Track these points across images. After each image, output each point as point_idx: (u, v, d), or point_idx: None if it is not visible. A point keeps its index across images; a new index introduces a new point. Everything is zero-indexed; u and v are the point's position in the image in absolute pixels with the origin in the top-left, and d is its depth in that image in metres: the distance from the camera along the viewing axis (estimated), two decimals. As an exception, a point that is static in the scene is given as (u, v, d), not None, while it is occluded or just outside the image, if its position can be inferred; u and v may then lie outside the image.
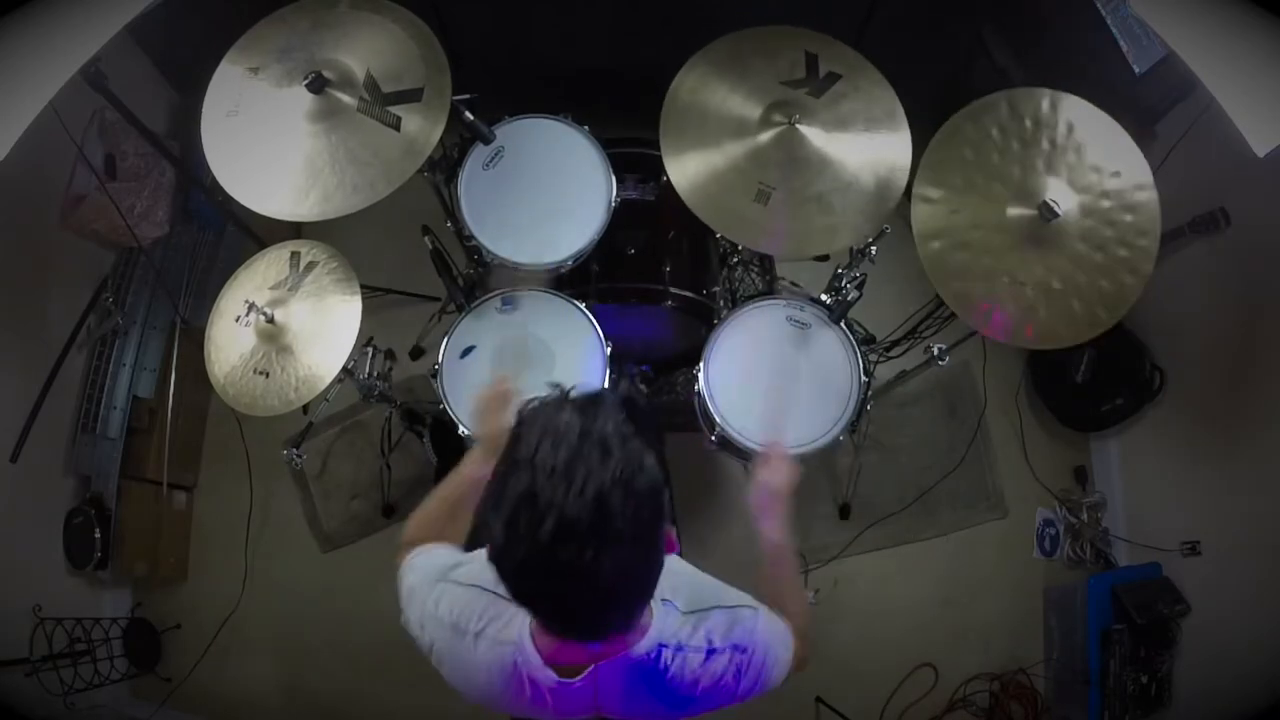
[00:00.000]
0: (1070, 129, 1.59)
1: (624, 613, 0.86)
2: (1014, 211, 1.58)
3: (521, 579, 0.79)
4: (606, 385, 1.77)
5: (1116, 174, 1.56)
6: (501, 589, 0.93)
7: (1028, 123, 1.59)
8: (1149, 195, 1.57)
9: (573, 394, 0.83)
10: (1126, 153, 1.59)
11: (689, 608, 1.01)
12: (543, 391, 0.85)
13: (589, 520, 0.72)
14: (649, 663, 0.96)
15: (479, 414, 1.32)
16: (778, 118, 1.67)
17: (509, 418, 1.00)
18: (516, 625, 0.96)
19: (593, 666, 0.95)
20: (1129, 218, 1.57)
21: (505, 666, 0.96)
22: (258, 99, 1.64)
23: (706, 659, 0.98)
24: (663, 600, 0.99)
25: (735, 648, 1.00)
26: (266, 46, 1.67)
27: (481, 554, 1.05)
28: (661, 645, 0.97)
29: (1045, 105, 1.60)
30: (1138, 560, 2.43)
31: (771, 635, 1.04)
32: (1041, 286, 1.56)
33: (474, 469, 1.22)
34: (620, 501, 0.73)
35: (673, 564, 0.90)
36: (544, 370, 1.79)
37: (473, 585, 1.02)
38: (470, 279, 2.13)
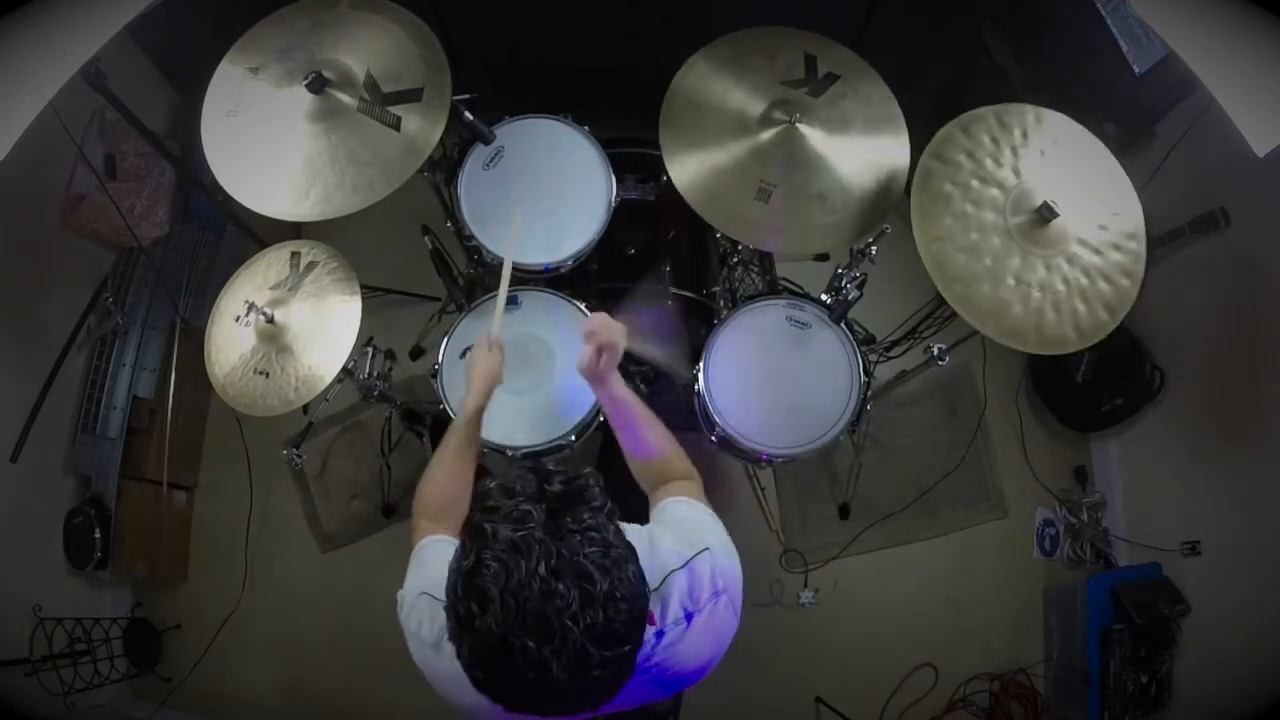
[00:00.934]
0: (1055, 142, 1.61)
1: (606, 692, 0.83)
2: (1013, 213, 1.58)
3: (489, 693, 0.78)
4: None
5: (1102, 227, 1.58)
6: None
7: (1017, 133, 1.60)
8: (1132, 206, 1.59)
9: (550, 486, 0.80)
10: (1109, 172, 1.61)
11: (651, 586, 0.98)
12: (508, 473, 0.82)
13: (569, 677, 0.73)
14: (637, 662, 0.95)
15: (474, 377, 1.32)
16: (778, 116, 1.67)
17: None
18: None
19: None
20: (1119, 220, 1.58)
21: None
22: (258, 99, 1.64)
23: (689, 624, 0.97)
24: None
25: (715, 594, 0.99)
26: (266, 46, 1.67)
27: None
28: (646, 641, 0.96)
29: (1030, 119, 1.61)
30: (1138, 560, 2.43)
31: (725, 553, 1.03)
32: (1047, 288, 1.55)
33: (470, 429, 1.26)
34: (600, 656, 0.74)
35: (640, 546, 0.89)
36: (544, 370, 1.79)
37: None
38: (470, 279, 2.13)
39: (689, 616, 0.98)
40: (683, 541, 1.03)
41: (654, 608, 0.97)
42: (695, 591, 0.98)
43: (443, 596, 0.93)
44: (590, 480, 0.81)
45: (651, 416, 1.28)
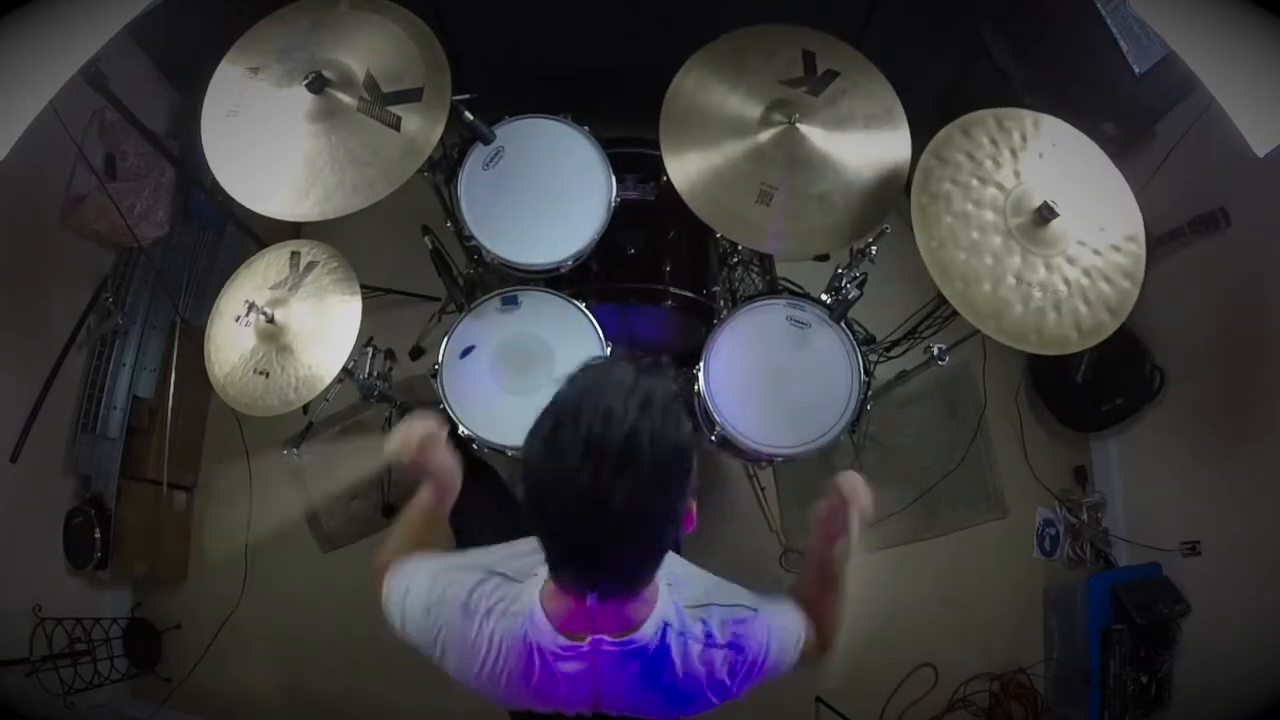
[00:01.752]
0: (1054, 146, 1.61)
1: (630, 559, 0.87)
2: (1013, 213, 1.58)
3: (543, 496, 0.82)
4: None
5: (1102, 229, 1.58)
6: (508, 568, 1.00)
7: (1016, 136, 1.60)
8: (1130, 209, 1.59)
9: (639, 359, 0.88)
10: (1107, 175, 1.61)
11: (689, 603, 1.02)
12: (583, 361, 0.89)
13: (616, 448, 0.77)
14: (653, 646, 0.97)
15: (406, 444, 1.26)
16: (778, 117, 1.67)
17: (440, 457, 1.14)
18: (526, 597, 0.98)
19: (594, 643, 0.95)
20: (1118, 222, 1.58)
21: (515, 640, 0.97)
22: (258, 99, 1.64)
23: (705, 650, 1.00)
24: (667, 583, 1.00)
25: (732, 646, 1.02)
26: (266, 46, 1.67)
27: (475, 551, 1.09)
28: (666, 624, 0.98)
29: (1029, 123, 1.61)
30: (1138, 560, 2.43)
31: (772, 633, 1.05)
32: (1048, 288, 1.55)
33: (428, 497, 1.26)
34: (649, 444, 0.78)
35: (672, 561, 0.91)
36: (544, 370, 1.79)
37: (479, 567, 1.04)
38: (470, 279, 2.13)
39: (709, 644, 1.01)
40: (750, 600, 1.07)
41: (686, 617, 1.00)
42: (723, 629, 1.02)
43: (464, 565, 1.03)
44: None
45: (841, 592, 1.24)
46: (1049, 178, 1.59)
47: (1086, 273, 1.56)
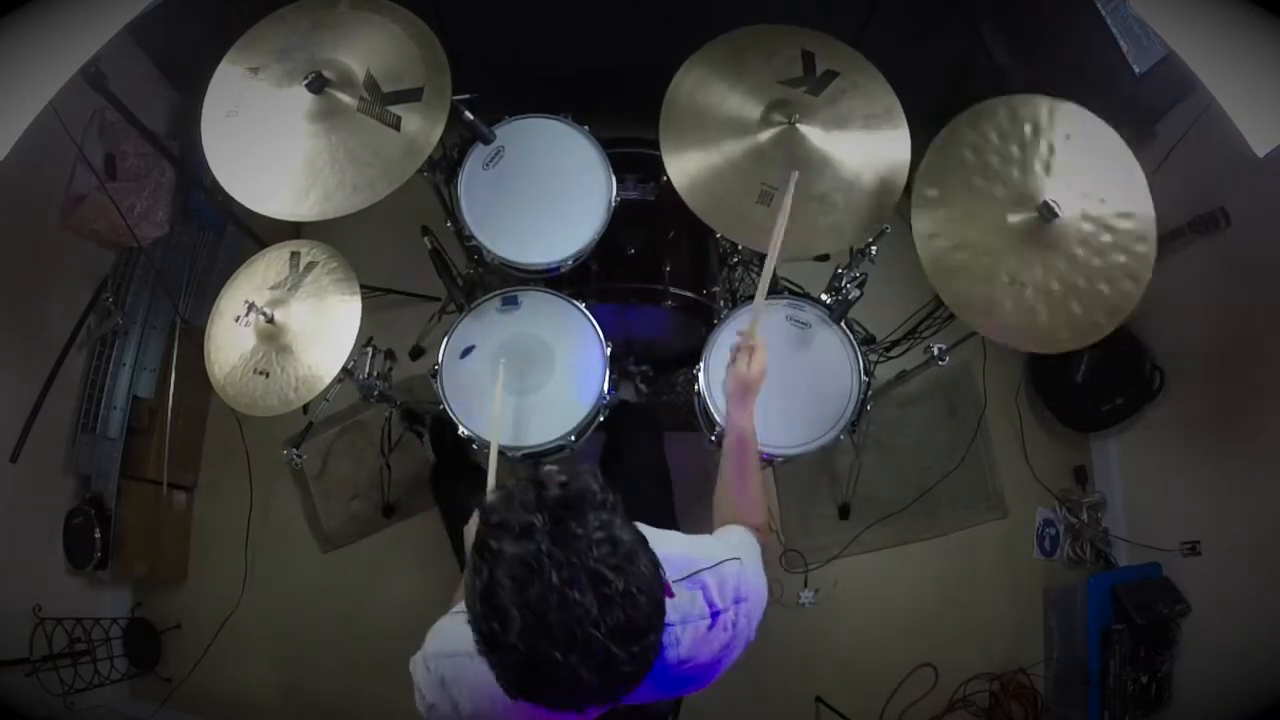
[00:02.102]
0: (1068, 137, 1.59)
1: (635, 687, 0.84)
2: (1014, 212, 1.58)
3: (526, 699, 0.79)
4: (607, 386, 1.77)
5: (1102, 201, 1.57)
6: None
7: (1027, 128, 1.59)
8: (1145, 205, 1.58)
9: (548, 493, 0.78)
10: (1122, 167, 1.59)
11: (676, 576, 1.02)
12: (504, 483, 0.83)
13: (599, 678, 0.74)
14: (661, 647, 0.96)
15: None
16: (777, 117, 1.67)
17: None
18: None
19: None
20: (1127, 224, 1.57)
21: None
22: (258, 99, 1.64)
23: (714, 622, 1.02)
24: None
25: (736, 600, 1.04)
26: (266, 46, 1.67)
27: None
28: (668, 625, 0.97)
29: (1044, 113, 1.60)
30: (1138, 560, 2.43)
31: (756, 569, 1.10)
32: (1041, 288, 1.55)
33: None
34: (626, 652, 0.74)
35: (645, 532, 0.91)
36: (544, 370, 1.79)
37: (459, 614, 1.04)
38: (470, 279, 2.13)
39: (715, 614, 1.02)
40: (722, 549, 1.09)
41: (682, 596, 1.00)
42: (722, 590, 1.04)
43: (454, 613, 0.99)
44: (589, 478, 0.81)
45: (758, 460, 1.37)
46: (1061, 172, 1.57)
47: (1085, 276, 1.56)
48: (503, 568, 0.74)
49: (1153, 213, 1.57)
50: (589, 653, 0.73)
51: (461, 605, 1.06)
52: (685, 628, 0.99)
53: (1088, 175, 1.58)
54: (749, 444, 1.36)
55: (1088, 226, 1.57)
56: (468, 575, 0.78)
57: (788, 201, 1.53)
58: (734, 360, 1.42)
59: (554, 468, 0.82)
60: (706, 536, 1.16)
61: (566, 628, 0.72)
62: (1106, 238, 1.57)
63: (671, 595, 0.84)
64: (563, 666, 0.73)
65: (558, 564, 0.73)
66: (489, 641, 0.76)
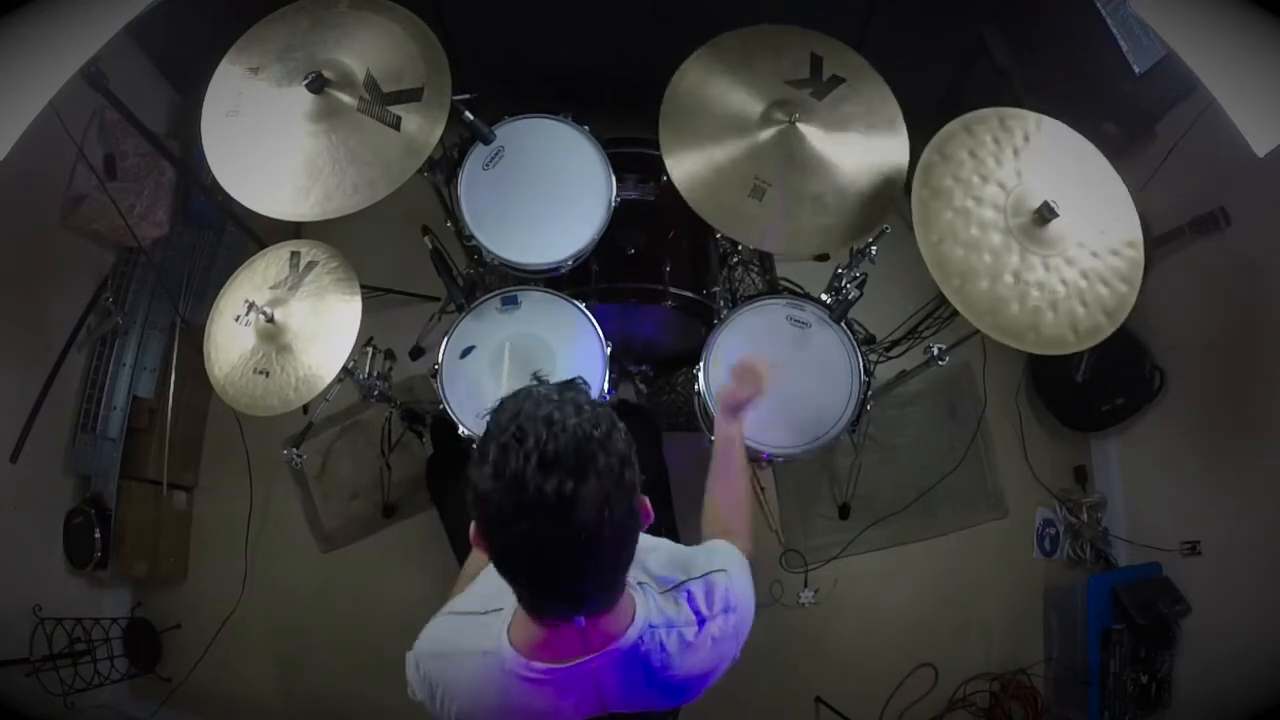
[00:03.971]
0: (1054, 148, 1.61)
1: (603, 570, 0.86)
2: (1014, 212, 1.58)
3: (505, 525, 0.79)
4: (606, 386, 1.77)
5: (1102, 231, 1.59)
6: (476, 604, 1.01)
7: (1019, 135, 1.60)
8: (1129, 214, 1.59)
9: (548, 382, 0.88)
10: (1107, 179, 1.62)
11: (664, 586, 1.04)
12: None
13: (571, 452, 0.77)
14: (644, 648, 0.97)
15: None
16: (778, 115, 1.67)
17: None
18: (493, 631, 0.97)
19: (586, 660, 0.95)
20: (1116, 225, 1.58)
21: (495, 676, 0.96)
22: (258, 99, 1.64)
23: (701, 630, 1.02)
24: (639, 584, 1.00)
25: (725, 610, 1.04)
26: (266, 46, 1.67)
27: (460, 595, 1.09)
28: (652, 626, 0.98)
29: (1032, 124, 1.61)
30: (1138, 560, 2.43)
31: (743, 581, 1.10)
32: (1046, 288, 1.55)
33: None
34: (598, 444, 0.79)
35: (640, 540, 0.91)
36: (544, 370, 1.79)
37: (448, 614, 1.06)
38: (470, 279, 2.13)
39: (701, 622, 1.02)
40: (709, 561, 1.10)
41: (669, 603, 1.02)
42: (709, 600, 1.04)
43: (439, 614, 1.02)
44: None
45: (747, 473, 1.40)
46: (1050, 178, 1.58)
47: (1084, 275, 1.56)
48: (511, 402, 0.83)
49: (1138, 220, 1.59)
50: (563, 425, 0.78)
51: (454, 604, 1.06)
52: (671, 634, 0.99)
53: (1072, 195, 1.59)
54: (733, 449, 1.40)
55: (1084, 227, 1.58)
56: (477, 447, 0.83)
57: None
58: (732, 377, 1.48)
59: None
60: (695, 548, 1.16)
61: (547, 417, 0.79)
62: (1100, 240, 1.58)
63: (649, 517, 0.88)
64: (540, 434, 0.77)
65: (547, 400, 0.82)
66: (497, 450, 0.79)
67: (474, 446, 0.83)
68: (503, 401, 0.84)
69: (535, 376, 0.90)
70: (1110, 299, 1.56)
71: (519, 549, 0.81)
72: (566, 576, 0.83)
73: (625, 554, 0.87)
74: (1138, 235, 1.59)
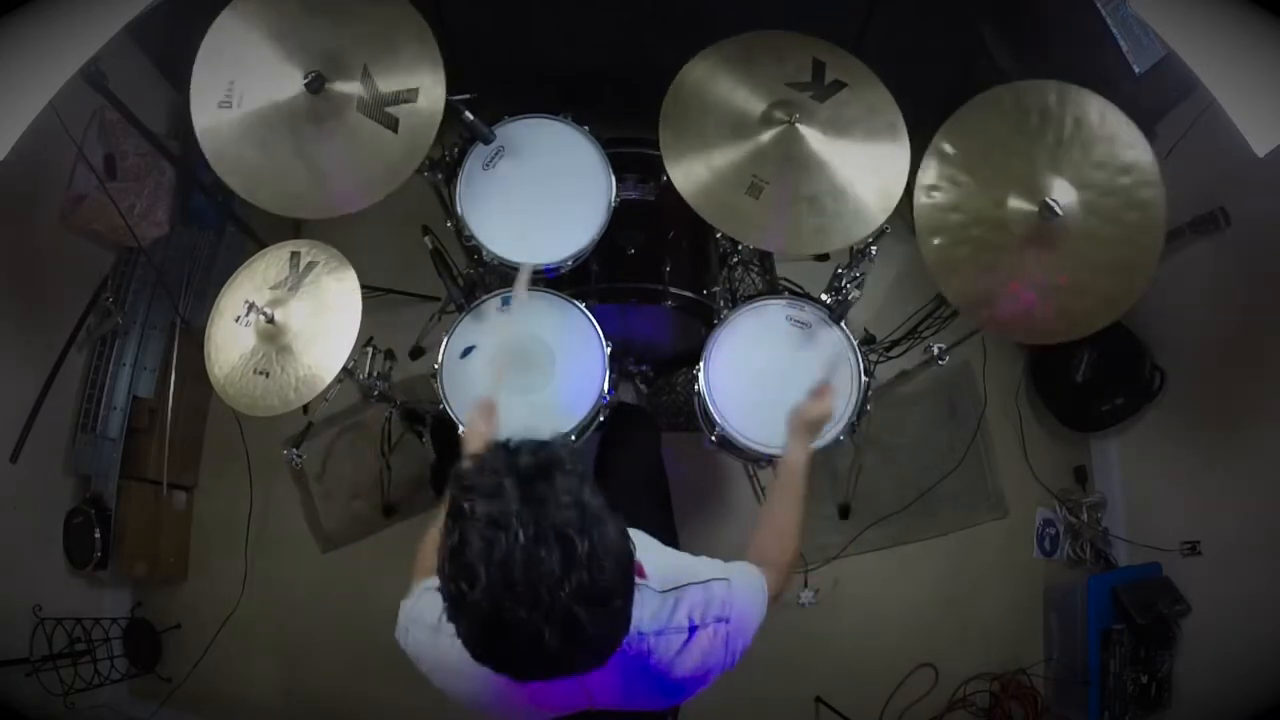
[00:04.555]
0: (1077, 124, 1.57)
1: (607, 649, 0.84)
2: (1016, 208, 1.58)
3: (492, 650, 0.79)
4: (607, 386, 1.77)
5: (1126, 172, 1.55)
6: None
7: (1033, 117, 1.58)
8: (1155, 192, 1.56)
9: (519, 459, 0.80)
10: (1136, 147, 1.58)
11: (663, 586, 1.03)
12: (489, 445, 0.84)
13: (562, 640, 0.74)
14: (633, 652, 0.97)
15: (470, 436, 1.33)
16: (779, 115, 1.67)
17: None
18: None
19: None
20: (1133, 215, 1.57)
21: None
22: (257, 97, 1.63)
23: (691, 637, 1.01)
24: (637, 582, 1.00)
25: (718, 620, 1.03)
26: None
27: None
28: (641, 634, 0.98)
29: (1052, 99, 1.58)
30: (1138, 560, 2.43)
31: (746, 597, 1.08)
32: (1045, 283, 1.55)
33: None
34: (591, 615, 0.75)
35: (640, 540, 0.90)
36: (544, 370, 1.79)
37: (434, 588, 1.04)
38: (470, 279, 2.13)
39: (692, 629, 1.01)
40: (713, 569, 1.09)
41: (665, 606, 1.01)
42: (704, 608, 1.03)
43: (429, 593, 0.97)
44: (559, 449, 0.83)
45: (804, 502, 1.34)
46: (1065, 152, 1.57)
47: (1088, 271, 1.56)
48: (473, 527, 0.76)
49: (1154, 160, 1.55)
50: (552, 612, 0.73)
51: (427, 582, 1.05)
52: (660, 639, 0.99)
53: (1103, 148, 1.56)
54: (793, 476, 1.36)
55: (1089, 195, 1.56)
56: (440, 539, 0.80)
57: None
58: (809, 401, 1.46)
59: (527, 438, 0.83)
60: (704, 558, 1.15)
61: (531, 586, 0.73)
62: (1111, 200, 1.56)
63: (643, 576, 0.84)
64: (526, 625, 0.73)
65: (524, 523, 0.75)
66: (456, 602, 0.77)
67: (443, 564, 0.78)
68: (462, 517, 0.77)
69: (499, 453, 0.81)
70: (1114, 292, 1.55)
71: (508, 668, 0.80)
72: (566, 669, 0.82)
73: (622, 629, 0.84)
74: (1160, 221, 1.56)
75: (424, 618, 1.02)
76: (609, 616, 0.79)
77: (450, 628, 0.85)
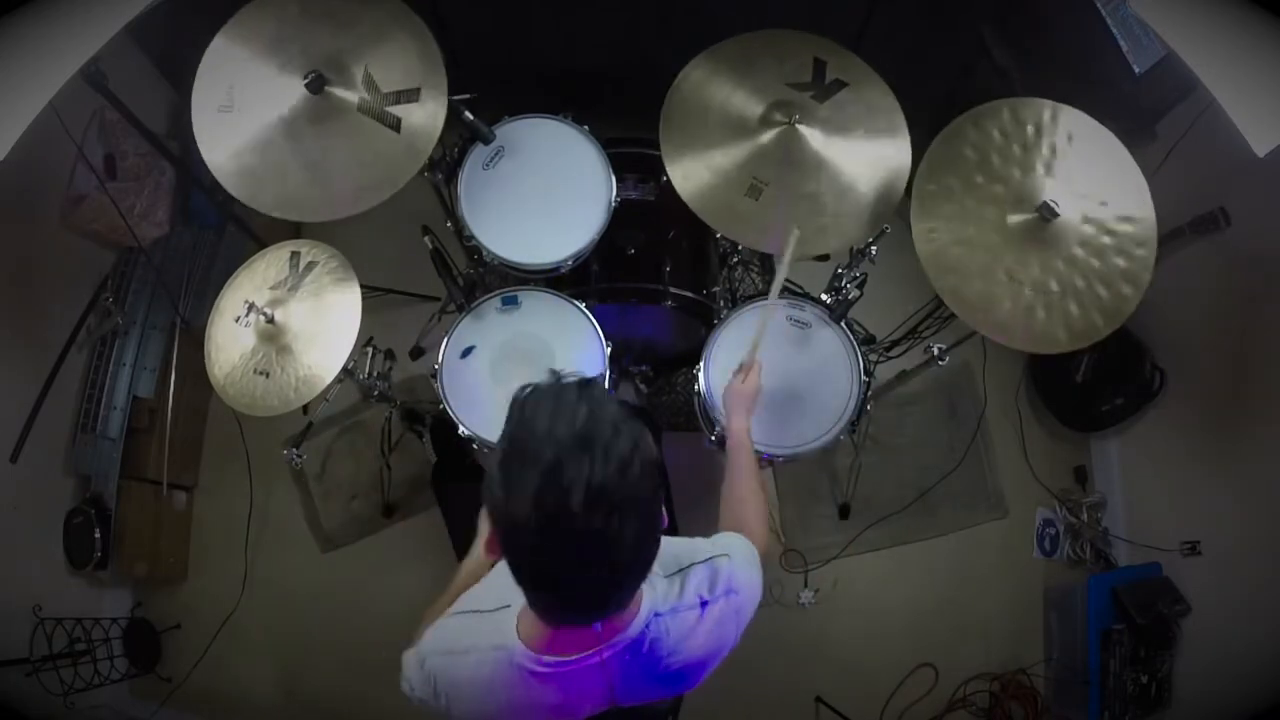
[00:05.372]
0: (1070, 139, 1.59)
1: (630, 586, 0.88)
2: (1014, 212, 1.58)
3: (540, 552, 0.79)
4: (606, 386, 1.77)
5: (1103, 204, 1.57)
6: (483, 602, 1.00)
7: (1029, 129, 1.59)
8: (1145, 209, 1.58)
9: (567, 378, 0.84)
10: (1123, 171, 1.60)
11: (668, 571, 1.05)
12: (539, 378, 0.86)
13: (615, 486, 0.75)
14: (650, 637, 0.97)
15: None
16: (779, 116, 1.67)
17: None
18: (503, 627, 0.97)
19: (594, 652, 0.95)
20: (1127, 227, 1.57)
21: (504, 671, 0.96)
22: (257, 98, 1.63)
23: (704, 612, 1.03)
24: None
25: (727, 593, 1.05)
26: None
27: (465, 595, 1.09)
28: (657, 614, 0.99)
29: (1046, 115, 1.60)
30: (1138, 560, 2.43)
31: (747, 567, 1.11)
32: (1039, 287, 1.55)
33: (476, 563, 1.25)
34: (638, 471, 0.76)
35: None
36: (544, 370, 1.79)
37: (456, 613, 1.06)
38: (470, 279, 2.13)
39: (704, 604, 1.03)
40: (713, 546, 1.12)
41: (673, 588, 1.03)
42: (712, 584, 1.05)
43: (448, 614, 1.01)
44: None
45: (755, 470, 1.42)
46: (1062, 174, 1.58)
47: (1083, 277, 1.56)
48: (538, 414, 0.79)
49: (1154, 217, 1.57)
50: (605, 453, 0.75)
51: (460, 605, 1.06)
52: (674, 618, 1.00)
53: (1089, 178, 1.58)
54: (743, 446, 1.43)
55: (1088, 229, 1.57)
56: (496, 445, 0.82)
57: (788, 256, 1.54)
58: (734, 378, 1.52)
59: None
60: (700, 538, 1.17)
61: (585, 440, 0.75)
62: (1106, 240, 1.57)
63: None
64: (581, 466, 0.74)
65: (580, 410, 0.78)
66: (514, 456, 0.77)
67: (497, 457, 0.80)
68: (524, 408, 0.80)
69: (552, 374, 0.86)
70: (1110, 301, 1.55)
71: (551, 573, 0.81)
72: (598, 598, 0.84)
73: (649, 568, 0.87)
74: (1151, 235, 1.57)
75: (439, 645, 1.03)
76: (640, 505, 0.78)
77: (470, 647, 0.92)
